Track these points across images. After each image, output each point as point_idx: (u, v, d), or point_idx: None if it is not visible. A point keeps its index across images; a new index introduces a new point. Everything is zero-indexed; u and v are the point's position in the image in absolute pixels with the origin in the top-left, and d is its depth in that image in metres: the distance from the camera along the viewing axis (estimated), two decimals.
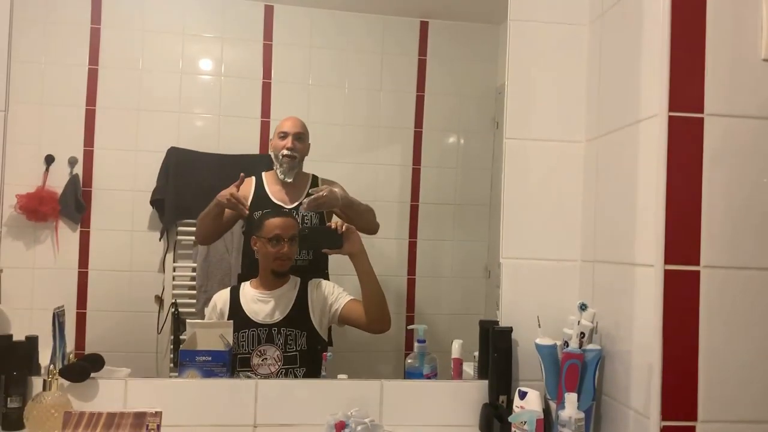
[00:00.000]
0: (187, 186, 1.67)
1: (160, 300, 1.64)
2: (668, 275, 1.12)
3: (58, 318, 1.40)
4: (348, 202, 1.62)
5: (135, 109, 1.67)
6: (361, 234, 1.59)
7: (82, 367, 1.33)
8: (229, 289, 1.61)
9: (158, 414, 0.94)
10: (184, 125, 1.69)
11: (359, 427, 1.26)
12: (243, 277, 1.63)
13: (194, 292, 1.65)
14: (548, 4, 1.48)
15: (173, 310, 1.64)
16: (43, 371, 1.36)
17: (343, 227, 1.55)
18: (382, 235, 1.71)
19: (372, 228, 1.65)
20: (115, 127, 1.65)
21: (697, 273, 1.13)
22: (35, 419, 1.26)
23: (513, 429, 1.24)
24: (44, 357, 1.39)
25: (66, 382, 1.31)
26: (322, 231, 1.60)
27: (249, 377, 1.50)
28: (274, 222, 1.58)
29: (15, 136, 1.59)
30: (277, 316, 1.57)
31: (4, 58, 1.38)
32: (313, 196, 1.60)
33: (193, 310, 1.64)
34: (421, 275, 1.74)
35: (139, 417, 0.93)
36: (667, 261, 1.12)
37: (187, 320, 1.54)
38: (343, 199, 1.61)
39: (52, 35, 1.63)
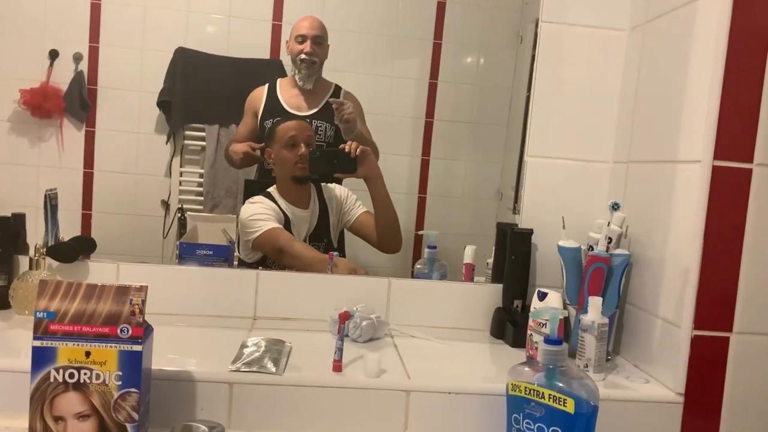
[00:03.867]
0: (195, 89, 1.61)
1: (166, 204, 1.62)
2: (716, 172, 1.03)
3: (50, 200, 1.37)
4: (360, 135, 1.55)
5: (142, 6, 1.60)
6: None
7: (71, 247, 1.30)
8: (262, 197, 1.55)
9: (143, 288, 0.88)
10: (192, 25, 1.62)
11: (364, 323, 1.24)
12: (257, 186, 1.58)
13: (201, 198, 1.63)
14: None
15: (179, 215, 1.62)
16: (31, 251, 1.32)
17: (358, 150, 1.47)
18: (394, 152, 1.66)
19: None
20: (122, 23, 1.58)
21: (749, 171, 1.03)
22: (21, 298, 1.25)
23: (529, 331, 1.20)
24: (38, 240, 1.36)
25: (55, 263, 1.28)
26: (335, 153, 1.51)
27: None
28: (287, 125, 1.53)
29: (18, 28, 1.53)
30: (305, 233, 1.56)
31: None
32: (339, 105, 1.53)
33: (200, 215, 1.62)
34: (432, 194, 1.70)
35: (122, 290, 0.87)
36: (716, 156, 1.03)
37: (188, 213, 1.51)
38: (357, 132, 1.54)
39: None
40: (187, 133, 1.62)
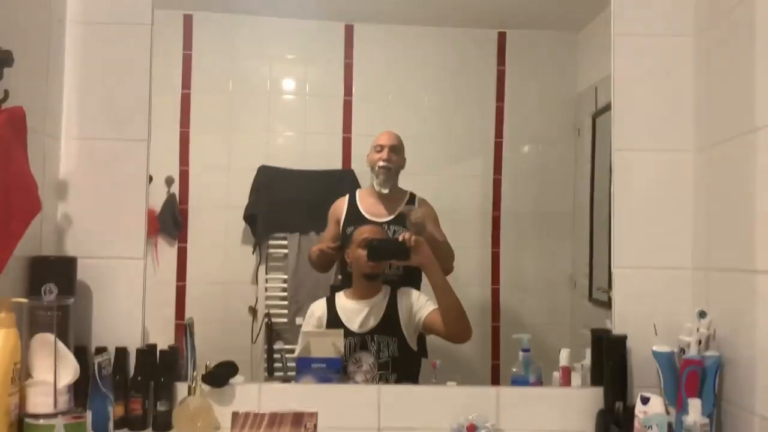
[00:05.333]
0: (277, 201, 1.74)
1: (253, 310, 1.72)
2: None
3: (189, 329, 1.51)
4: (431, 236, 1.63)
5: (226, 131, 1.76)
6: None
7: (223, 374, 1.43)
8: (324, 298, 1.67)
9: (314, 414, 1.06)
10: (272, 144, 1.77)
11: (483, 431, 1.32)
12: (334, 288, 1.69)
13: (285, 302, 1.72)
14: (651, 15, 1.47)
15: (266, 320, 1.71)
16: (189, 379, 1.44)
17: (412, 240, 1.57)
18: (467, 245, 1.73)
19: (444, 268, 1.63)
20: (209, 147, 1.74)
21: None
22: (182, 422, 1.36)
23: None
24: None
25: (207, 387, 1.40)
26: (391, 242, 1.63)
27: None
28: (363, 228, 1.64)
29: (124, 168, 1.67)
30: (371, 324, 1.62)
31: (146, 91, 1.47)
32: (412, 209, 1.65)
33: (285, 320, 1.71)
34: (505, 285, 1.75)
35: (298, 416, 1.06)
36: None
37: (302, 330, 1.62)
38: (427, 233, 1.63)
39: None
40: (271, 242, 1.74)
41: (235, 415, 1.03)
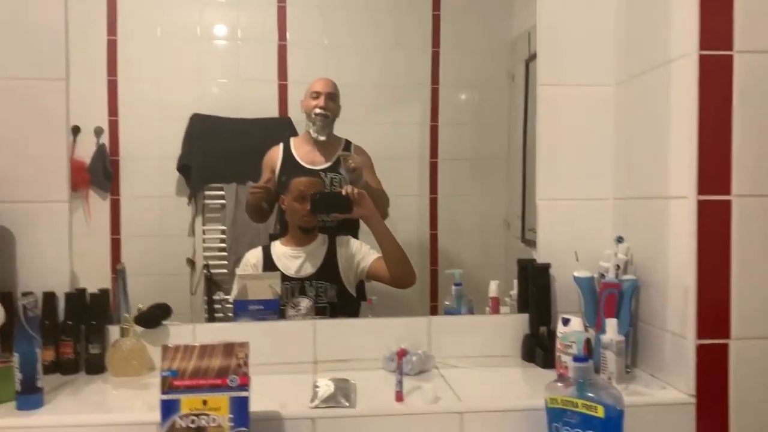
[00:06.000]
0: (212, 151, 1.71)
1: (191, 262, 1.70)
2: (701, 205, 1.19)
3: (121, 275, 1.50)
4: (366, 183, 1.65)
5: (156, 78, 1.70)
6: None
7: (155, 315, 1.43)
8: (260, 247, 1.67)
9: (245, 344, 1.04)
10: (204, 92, 1.73)
11: (414, 357, 1.37)
12: (273, 237, 1.68)
13: (224, 254, 1.71)
14: None
15: (205, 271, 1.70)
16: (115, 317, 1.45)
17: (355, 192, 1.58)
18: (404, 193, 1.76)
19: (380, 214, 1.64)
20: (138, 96, 1.68)
21: (729, 202, 1.19)
22: (116, 363, 1.36)
23: (557, 353, 1.32)
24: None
25: (140, 329, 1.41)
26: (333, 195, 1.63)
27: None
28: (299, 180, 1.64)
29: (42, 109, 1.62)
30: (309, 270, 1.64)
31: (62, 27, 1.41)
32: (348, 156, 1.65)
33: (225, 270, 1.70)
34: (442, 230, 1.79)
35: (229, 347, 1.04)
36: (700, 192, 1.19)
37: (238, 273, 1.62)
38: (363, 183, 1.64)
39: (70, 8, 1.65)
40: (207, 193, 1.71)
41: (165, 348, 1.03)
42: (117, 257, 1.67)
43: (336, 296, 1.63)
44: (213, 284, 1.70)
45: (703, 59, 1.18)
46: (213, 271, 1.70)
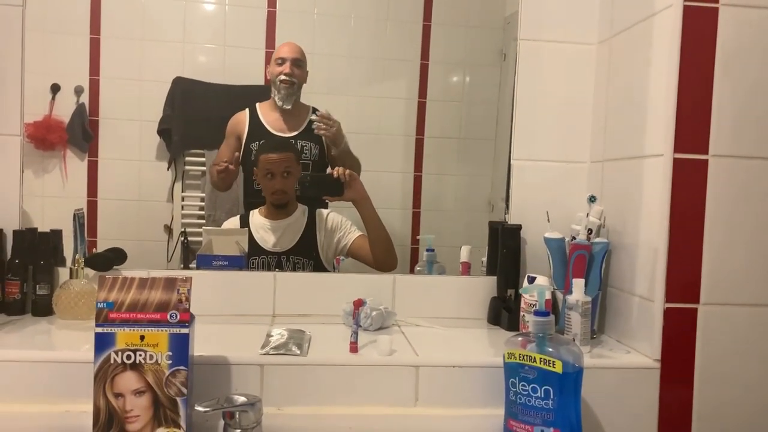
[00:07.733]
0: (194, 116, 1.67)
1: (169, 229, 1.67)
2: (677, 163, 1.16)
3: (79, 219, 1.46)
4: (346, 148, 1.61)
5: (139, 39, 1.66)
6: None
7: (107, 258, 1.40)
8: (238, 216, 1.64)
9: (188, 279, 0.99)
10: (188, 55, 1.69)
11: (374, 313, 1.35)
12: (251, 205, 1.65)
13: (203, 221, 1.68)
14: None
15: (182, 239, 1.67)
16: (68, 262, 1.41)
17: (346, 174, 1.54)
18: (388, 169, 1.73)
19: None
20: (120, 56, 1.65)
21: (706, 161, 1.16)
22: (63, 305, 1.33)
23: (522, 313, 1.31)
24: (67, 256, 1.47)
25: (91, 272, 1.38)
26: (324, 178, 1.60)
27: None
28: (267, 158, 1.59)
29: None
30: (287, 244, 1.61)
31: None
32: (326, 118, 1.59)
33: (202, 238, 1.67)
34: (425, 208, 1.76)
35: (170, 281, 0.99)
36: (676, 150, 1.16)
37: (203, 227, 1.59)
38: (344, 144, 1.60)
39: None
40: (187, 158, 1.68)
41: (101, 278, 0.98)
42: (93, 220, 1.64)
43: (312, 271, 1.61)
44: (190, 252, 1.67)
45: (687, 10, 1.14)
46: (191, 238, 1.68)
